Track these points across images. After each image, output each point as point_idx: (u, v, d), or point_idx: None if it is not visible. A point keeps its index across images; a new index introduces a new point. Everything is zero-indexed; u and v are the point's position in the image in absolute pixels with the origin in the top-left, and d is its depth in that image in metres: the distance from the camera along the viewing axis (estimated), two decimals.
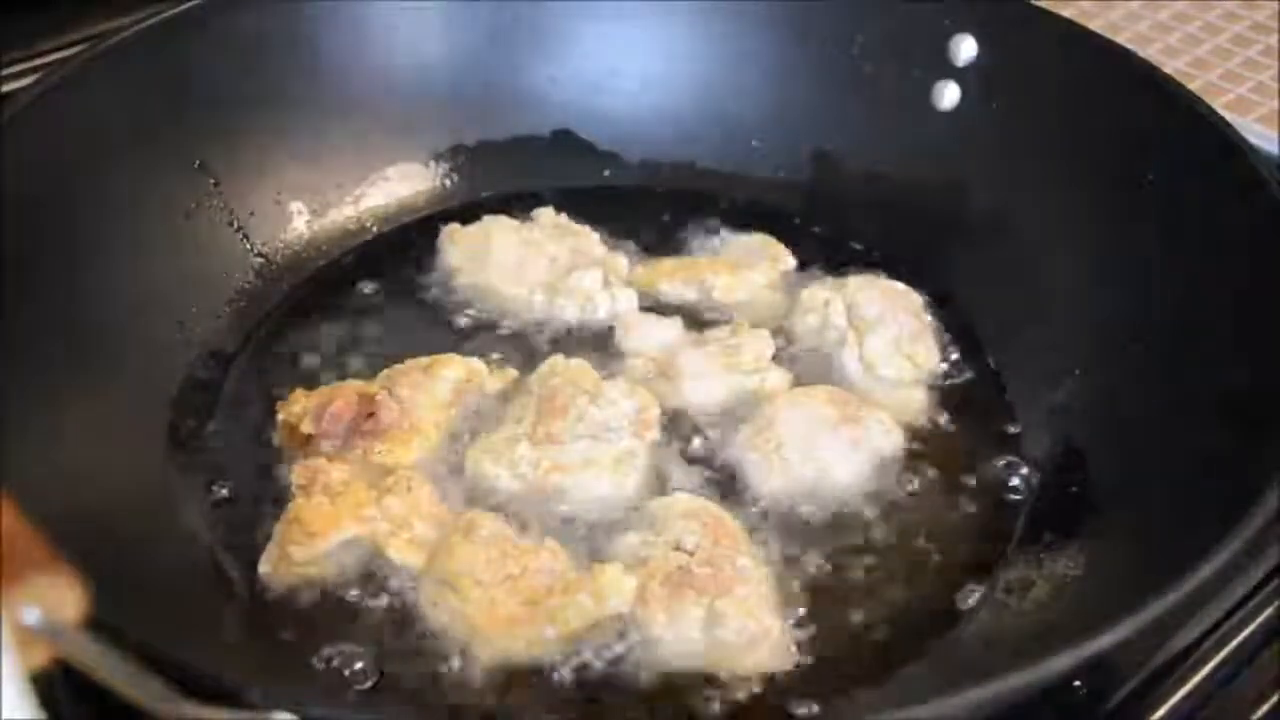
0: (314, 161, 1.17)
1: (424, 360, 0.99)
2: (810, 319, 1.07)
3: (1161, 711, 0.80)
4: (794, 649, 0.82)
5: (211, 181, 1.09)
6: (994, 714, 0.65)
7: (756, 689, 0.80)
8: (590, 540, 0.88)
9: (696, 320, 1.07)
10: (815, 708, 0.79)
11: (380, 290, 1.12)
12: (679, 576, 0.82)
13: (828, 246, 1.17)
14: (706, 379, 1.00)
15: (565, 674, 0.80)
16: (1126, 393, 0.94)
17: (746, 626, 0.81)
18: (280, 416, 0.95)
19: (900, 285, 1.08)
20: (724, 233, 1.18)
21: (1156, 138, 1.01)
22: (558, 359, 1.00)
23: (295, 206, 1.16)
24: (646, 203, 1.21)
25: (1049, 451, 0.96)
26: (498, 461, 0.92)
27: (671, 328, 1.04)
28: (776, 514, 0.91)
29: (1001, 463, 0.97)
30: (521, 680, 0.79)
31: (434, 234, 1.16)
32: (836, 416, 0.95)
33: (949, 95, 1.15)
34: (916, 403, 1.01)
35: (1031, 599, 0.85)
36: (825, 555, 0.89)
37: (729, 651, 0.80)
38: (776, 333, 1.06)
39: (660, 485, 0.93)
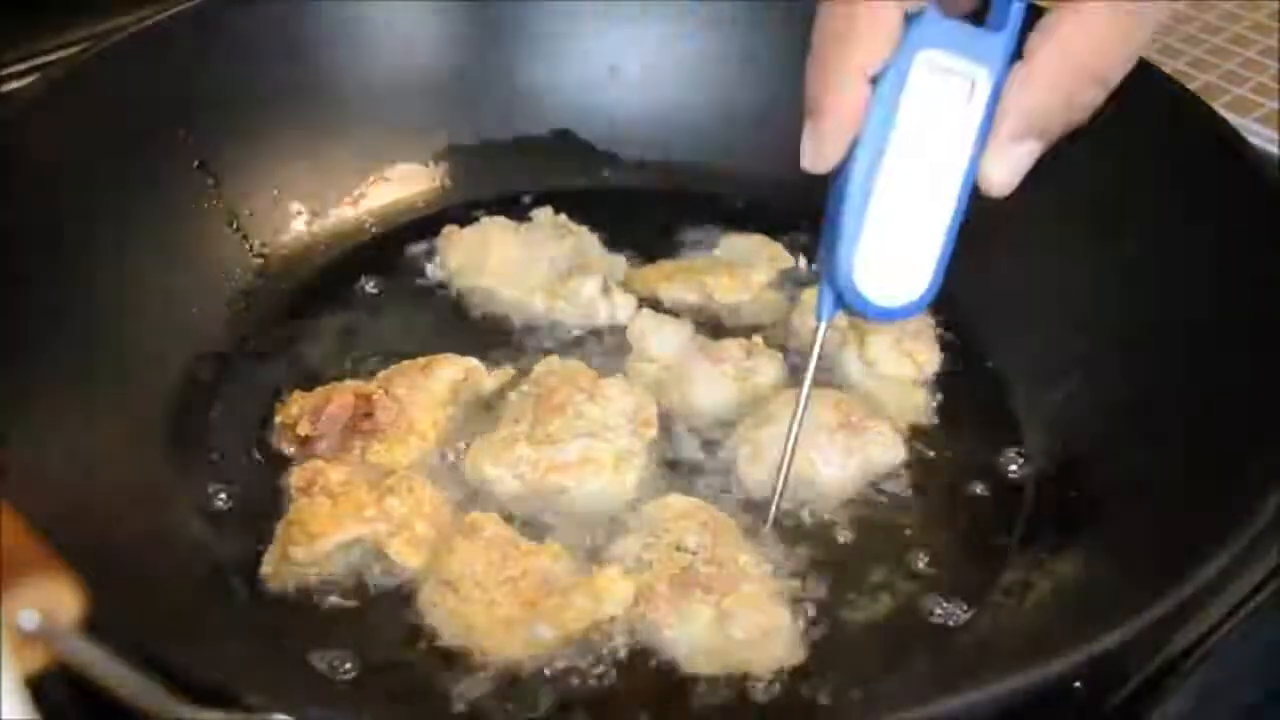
0: (314, 161, 1.17)
1: (421, 360, 0.99)
2: (811, 319, 1.07)
3: (1161, 711, 0.80)
4: (804, 642, 0.82)
5: (211, 181, 1.09)
6: (994, 715, 0.65)
7: (772, 685, 0.79)
8: (590, 540, 0.88)
9: (698, 322, 1.07)
10: (821, 705, 0.79)
11: (379, 291, 1.12)
12: (685, 577, 0.82)
13: None
14: (715, 390, 0.99)
15: (567, 676, 0.79)
16: (1126, 393, 0.94)
17: (757, 621, 0.81)
18: (278, 418, 0.95)
19: None
20: (723, 233, 1.17)
21: (1156, 138, 1.01)
22: (555, 358, 1.00)
23: (295, 206, 1.16)
24: (645, 203, 1.21)
25: (1049, 452, 0.96)
26: (497, 462, 0.91)
27: (682, 331, 1.04)
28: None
29: (1001, 463, 0.96)
30: (521, 681, 0.79)
31: (434, 234, 1.15)
32: (835, 422, 0.94)
33: None
34: (917, 402, 1.01)
35: (1031, 600, 0.84)
36: (822, 555, 0.88)
37: (742, 648, 0.80)
38: (775, 329, 1.06)
39: (659, 484, 0.93)
